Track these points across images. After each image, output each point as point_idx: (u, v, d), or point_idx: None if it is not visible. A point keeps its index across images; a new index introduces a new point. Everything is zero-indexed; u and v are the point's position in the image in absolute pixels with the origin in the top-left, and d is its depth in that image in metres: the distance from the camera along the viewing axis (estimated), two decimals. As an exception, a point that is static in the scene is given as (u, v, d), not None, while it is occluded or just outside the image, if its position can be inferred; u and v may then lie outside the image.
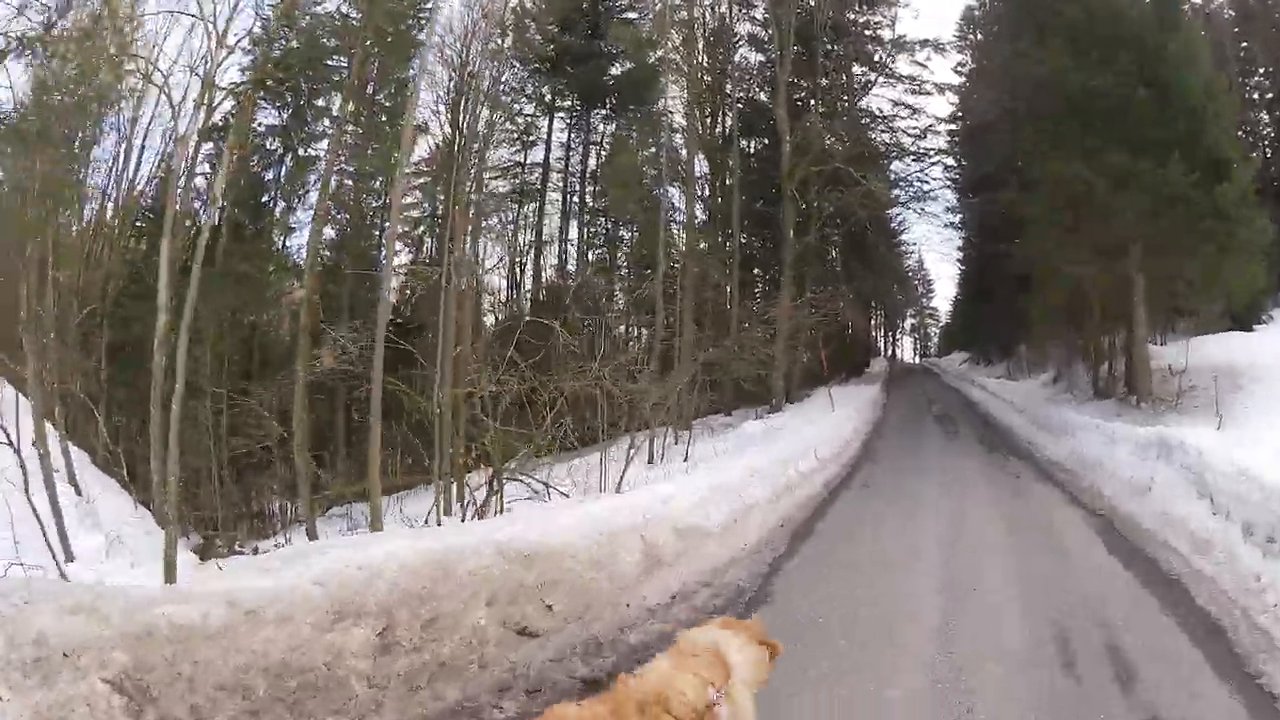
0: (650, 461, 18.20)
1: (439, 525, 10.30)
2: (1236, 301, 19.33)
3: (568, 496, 10.93)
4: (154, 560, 12.88)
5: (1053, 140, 18.00)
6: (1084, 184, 16.50)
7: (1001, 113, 23.65)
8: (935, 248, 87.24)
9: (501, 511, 10.21)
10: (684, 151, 28.09)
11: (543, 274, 31.75)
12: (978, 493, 11.58)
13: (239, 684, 3.39)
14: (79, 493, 17.10)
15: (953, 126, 34.15)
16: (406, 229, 27.17)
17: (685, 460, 16.99)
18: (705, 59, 29.37)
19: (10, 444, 10.31)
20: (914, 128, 33.44)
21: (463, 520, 10.28)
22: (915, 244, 62.32)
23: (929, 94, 32.26)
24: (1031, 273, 22.16)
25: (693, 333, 23.73)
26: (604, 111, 31.15)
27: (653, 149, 26.47)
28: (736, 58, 29.80)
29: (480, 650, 4.49)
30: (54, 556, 10.47)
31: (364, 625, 4.01)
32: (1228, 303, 20.10)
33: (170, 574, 10.71)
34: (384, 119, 23.69)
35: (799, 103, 29.50)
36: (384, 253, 16.44)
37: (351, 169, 25.23)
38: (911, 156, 34.32)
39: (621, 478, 12.36)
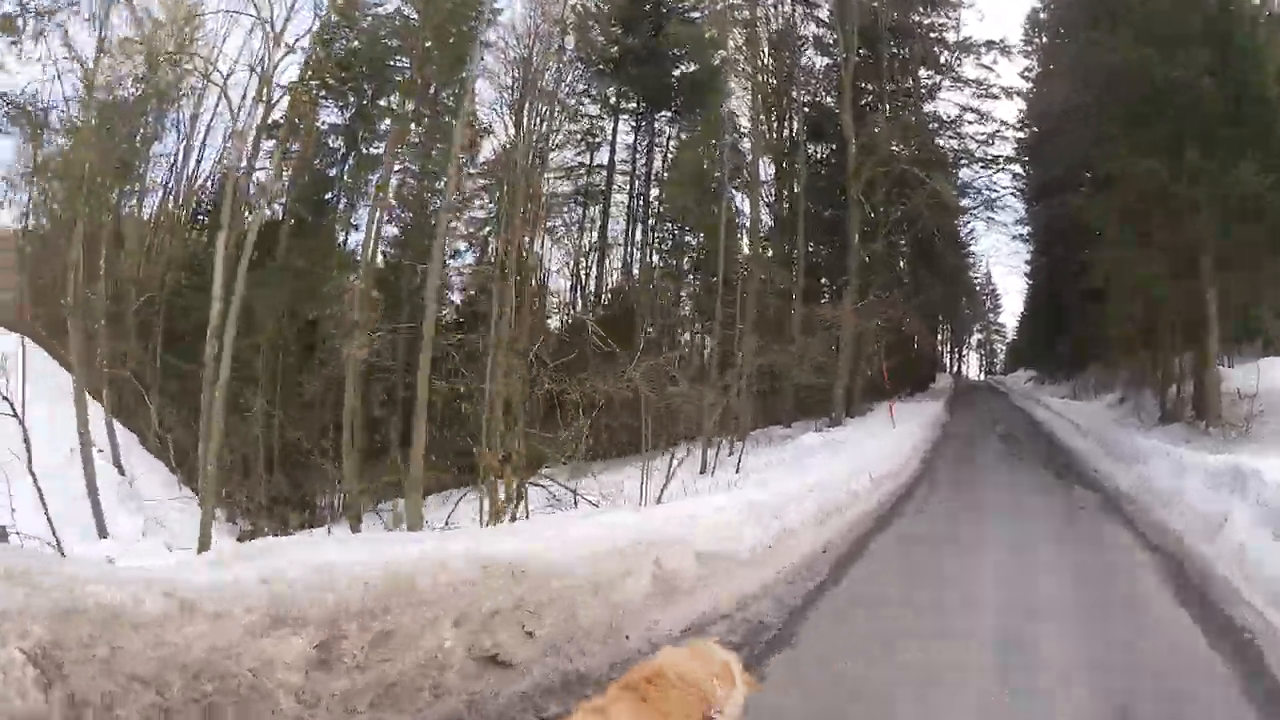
0: (702, 471, 18.09)
1: (484, 528, 9.92)
2: None
3: (596, 505, 10.49)
4: (193, 541, 12.95)
5: (1126, 132, 17.09)
6: (1157, 181, 15.67)
7: (1071, 110, 22.48)
8: (1003, 260, 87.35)
9: (515, 519, 9.78)
10: (749, 156, 27.99)
11: (605, 277, 32.13)
12: (1039, 527, 10.71)
13: (155, 677, 3.04)
14: (122, 473, 17.46)
15: (1020, 134, 33.52)
16: (472, 229, 27.63)
17: (737, 472, 16.68)
18: (770, 61, 29.46)
19: (15, 415, 10.23)
20: (981, 133, 33.05)
21: (481, 526, 9.89)
22: (983, 255, 61.40)
23: (996, 98, 31.83)
24: (1102, 285, 21.26)
25: (754, 339, 23.33)
26: (668, 114, 31.19)
27: (717, 152, 25.98)
28: (803, 61, 29.78)
29: (438, 676, 3.98)
30: (54, 535, 10.36)
31: (303, 635, 3.52)
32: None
33: (204, 549, 10.69)
34: (446, 118, 23.59)
35: (865, 106, 29.13)
36: (434, 251, 16.17)
37: (415, 167, 25.39)
38: (979, 163, 33.80)
39: (663, 489, 11.90)
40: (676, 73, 29.40)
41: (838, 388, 24.04)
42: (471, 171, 24.78)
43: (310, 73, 18.63)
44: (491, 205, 26.59)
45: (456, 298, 26.70)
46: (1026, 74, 34.52)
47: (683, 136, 30.23)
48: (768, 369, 23.37)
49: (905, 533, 10.00)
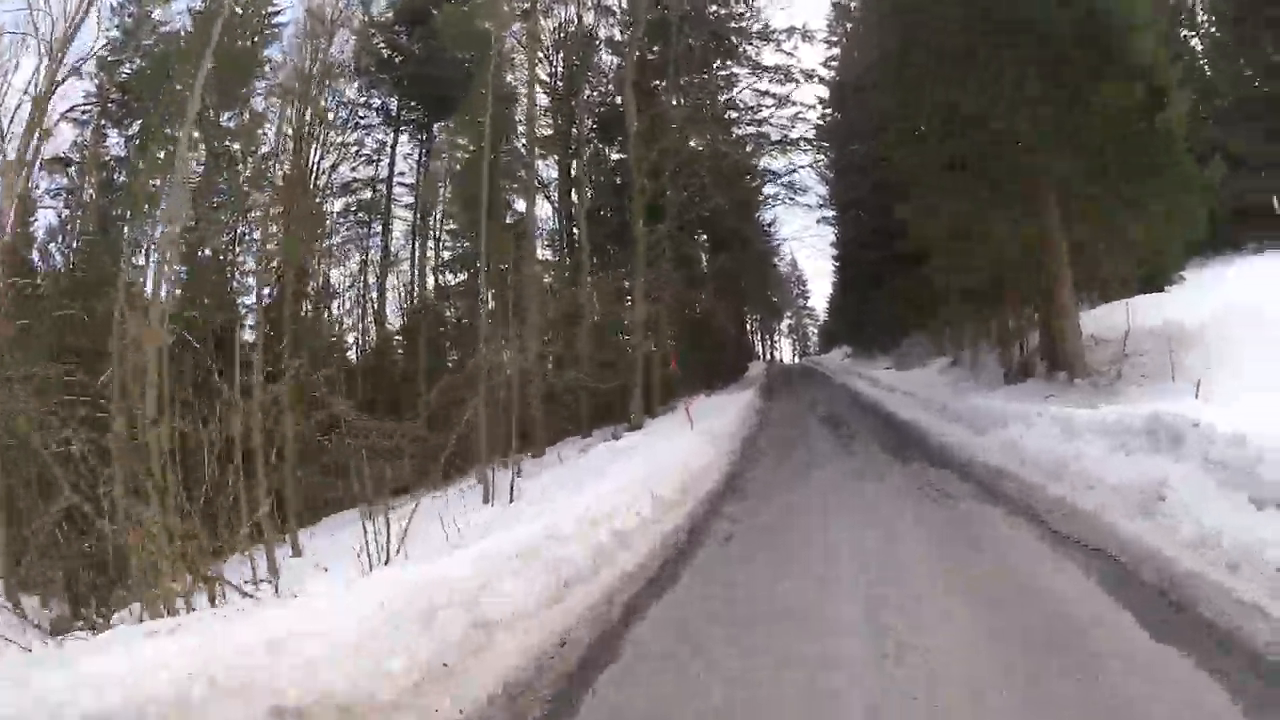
0: (487, 500, 15.87)
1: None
2: (1172, 257, 16.22)
3: (255, 599, 6.77)
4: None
5: (950, 66, 14.56)
6: (994, 119, 13.27)
7: (883, 56, 20.33)
8: (809, 243, 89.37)
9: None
10: (531, 158, 26.11)
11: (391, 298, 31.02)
12: (900, 530, 7.54)
13: None
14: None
15: (821, 115, 33.49)
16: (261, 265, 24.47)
17: (511, 501, 13.81)
18: (558, 59, 28.39)
19: None
20: (782, 117, 31.71)
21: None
22: (788, 240, 61.95)
23: (796, 82, 30.36)
24: (924, 245, 18.93)
25: (537, 345, 21.51)
26: (449, 123, 28.83)
27: (500, 158, 24.16)
28: (596, 60, 28.60)
29: None
30: None
31: None
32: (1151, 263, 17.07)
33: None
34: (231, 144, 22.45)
35: (654, 90, 27.04)
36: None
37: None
38: (778, 146, 32.40)
39: (394, 548, 8.20)
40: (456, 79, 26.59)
41: (634, 388, 21.00)
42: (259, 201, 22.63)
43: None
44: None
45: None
46: (831, 63, 35.29)
47: (460, 143, 27.96)
48: (560, 375, 21.51)
49: (695, 595, 6.19)
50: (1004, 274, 17.19)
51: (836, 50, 36.13)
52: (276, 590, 7.25)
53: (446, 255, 30.31)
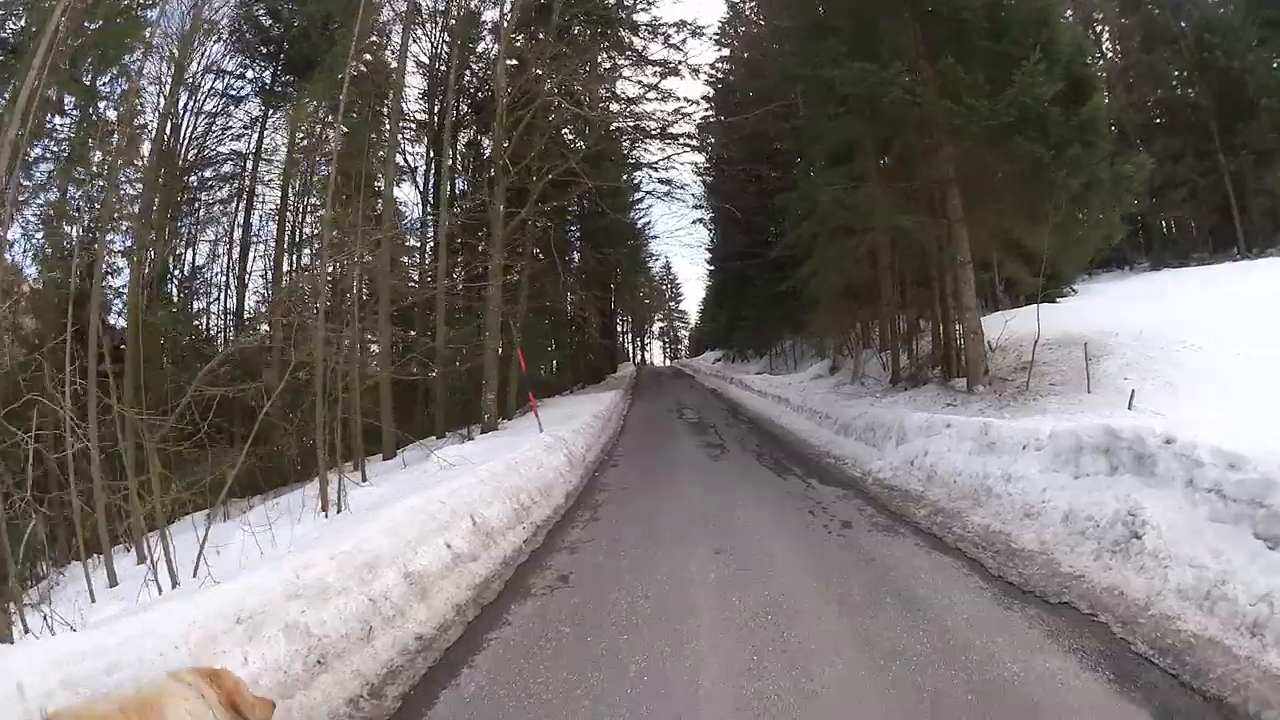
0: (325, 509, 12.80)
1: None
2: (1077, 259, 15.04)
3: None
4: None
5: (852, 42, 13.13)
6: (899, 98, 11.86)
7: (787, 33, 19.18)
8: (683, 242, 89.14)
9: None
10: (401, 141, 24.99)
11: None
12: (792, 581, 5.66)
13: None
14: None
15: (702, 119, 30.72)
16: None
17: (339, 512, 11.61)
18: (440, 46, 26.30)
19: None
20: (662, 111, 31.42)
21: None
22: (660, 236, 61.37)
23: (680, 75, 28.02)
24: (799, 251, 17.96)
25: (391, 336, 19.52)
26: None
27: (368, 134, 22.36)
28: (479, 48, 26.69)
29: None
30: None
31: None
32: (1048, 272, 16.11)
33: None
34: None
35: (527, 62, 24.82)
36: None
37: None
38: (657, 141, 30.24)
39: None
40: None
41: (487, 387, 19.02)
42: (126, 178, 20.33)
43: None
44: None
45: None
46: (719, 65, 33.58)
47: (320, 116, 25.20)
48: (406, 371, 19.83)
49: (530, 650, 4.62)
50: (884, 274, 16.14)
51: (726, 51, 34.80)
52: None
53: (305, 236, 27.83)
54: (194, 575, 6.31)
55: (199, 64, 24.68)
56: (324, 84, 21.25)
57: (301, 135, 25.33)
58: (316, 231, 25.69)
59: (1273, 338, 11.41)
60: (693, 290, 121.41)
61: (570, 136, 24.65)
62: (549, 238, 23.54)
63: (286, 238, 26.98)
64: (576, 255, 32.53)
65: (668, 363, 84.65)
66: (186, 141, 25.28)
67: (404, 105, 24.23)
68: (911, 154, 13.69)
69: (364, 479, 14.38)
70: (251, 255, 27.88)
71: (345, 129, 21.29)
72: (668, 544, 7.10)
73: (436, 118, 26.52)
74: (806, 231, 16.57)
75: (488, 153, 25.91)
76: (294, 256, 27.64)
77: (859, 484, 9.42)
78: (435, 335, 20.56)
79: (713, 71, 32.62)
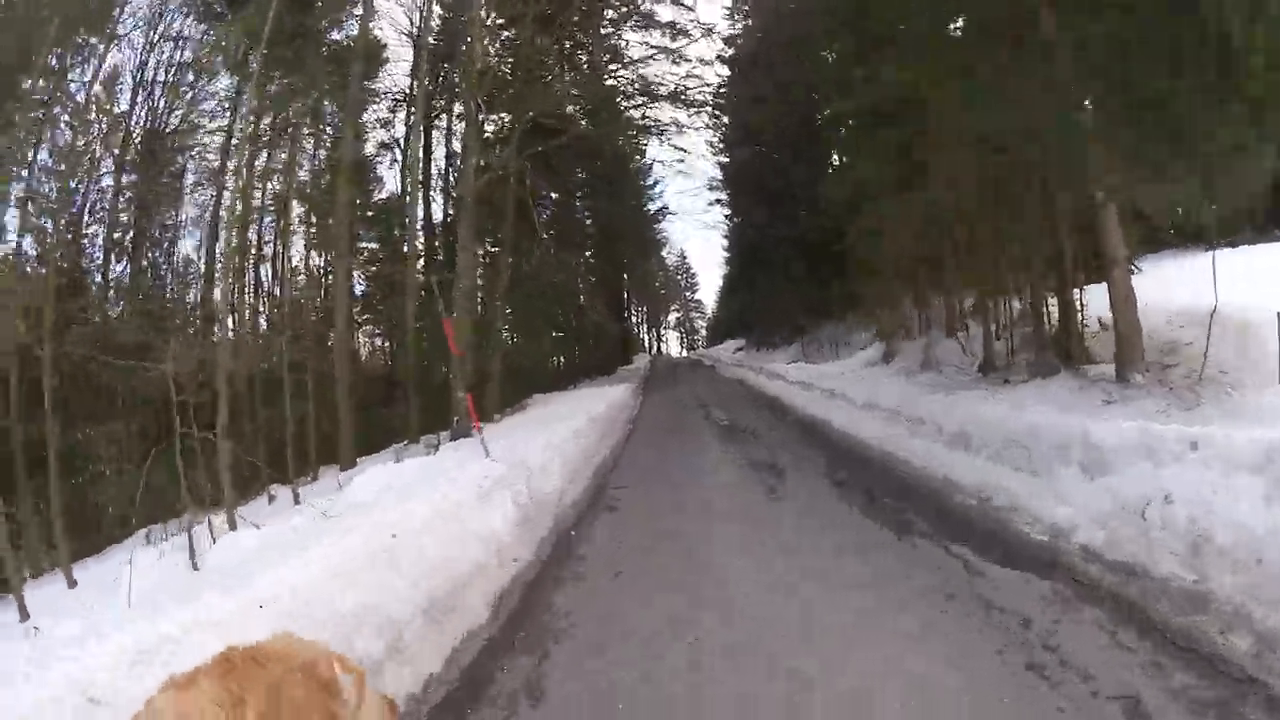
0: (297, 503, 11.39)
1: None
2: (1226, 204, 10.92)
3: None
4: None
5: None
6: None
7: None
8: (697, 223, 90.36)
9: None
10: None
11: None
12: None
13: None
14: None
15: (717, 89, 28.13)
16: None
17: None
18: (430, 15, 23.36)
19: None
20: (672, 73, 27.86)
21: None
22: (674, 214, 59.34)
23: (692, 36, 25.15)
24: (855, 198, 15.02)
25: (347, 317, 17.85)
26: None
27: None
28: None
29: None
30: None
31: None
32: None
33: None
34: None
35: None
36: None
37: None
38: (669, 105, 27.00)
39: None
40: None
41: (455, 380, 14.93)
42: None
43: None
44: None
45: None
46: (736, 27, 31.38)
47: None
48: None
49: None
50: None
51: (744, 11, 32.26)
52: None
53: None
54: None
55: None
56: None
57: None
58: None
59: None
60: (709, 280, 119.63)
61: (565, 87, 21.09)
62: (526, 190, 19.41)
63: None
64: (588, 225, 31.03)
65: (685, 353, 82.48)
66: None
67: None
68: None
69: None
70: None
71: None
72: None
73: (412, 77, 23.43)
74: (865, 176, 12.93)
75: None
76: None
77: (1056, 560, 5.16)
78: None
79: (731, 29, 30.65)
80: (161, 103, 21.38)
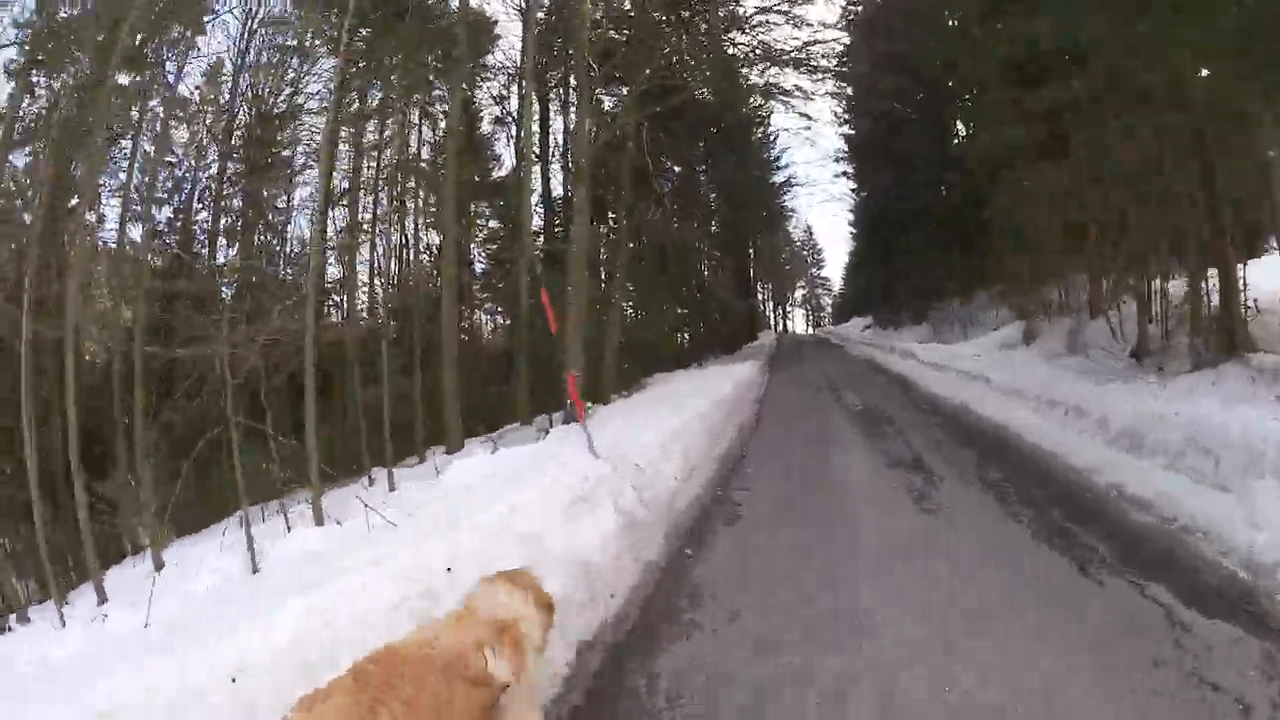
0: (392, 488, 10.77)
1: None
2: None
3: None
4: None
5: None
6: None
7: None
8: (824, 195, 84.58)
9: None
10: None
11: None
12: None
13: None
14: None
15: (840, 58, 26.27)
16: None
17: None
18: None
19: None
20: (793, 37, 25.35)
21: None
22: (800, 184, 58.77)
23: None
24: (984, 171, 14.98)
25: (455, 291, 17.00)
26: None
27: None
28: None
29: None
30: None
31: None
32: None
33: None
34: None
35: None
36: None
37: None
38: (789, 65, 25.46)
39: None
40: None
41: (570, 357, 14.27)
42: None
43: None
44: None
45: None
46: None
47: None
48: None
49: None
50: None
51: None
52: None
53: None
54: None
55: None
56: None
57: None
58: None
59: None
60: (835, 256, 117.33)
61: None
62: (645, 158, 18.63)
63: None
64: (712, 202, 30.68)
65: (811, 331, 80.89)
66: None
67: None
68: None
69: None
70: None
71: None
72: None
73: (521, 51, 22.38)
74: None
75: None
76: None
77: (1261, 605, 4.15)
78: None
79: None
80: (265, 89, 21.41)
